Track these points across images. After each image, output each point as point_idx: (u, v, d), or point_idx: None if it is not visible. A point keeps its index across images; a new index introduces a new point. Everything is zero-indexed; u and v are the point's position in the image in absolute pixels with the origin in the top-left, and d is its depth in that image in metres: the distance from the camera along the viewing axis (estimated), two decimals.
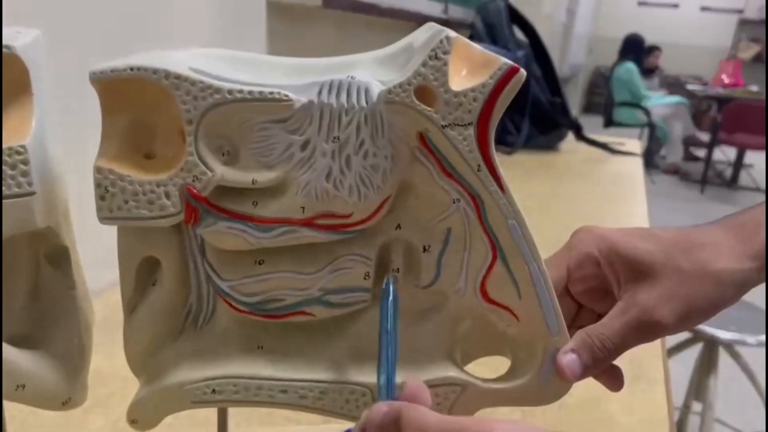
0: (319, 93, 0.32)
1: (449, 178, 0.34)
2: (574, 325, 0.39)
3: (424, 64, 0.32)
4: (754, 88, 5.26)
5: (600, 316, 0.38)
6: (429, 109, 0.32)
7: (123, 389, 0.57)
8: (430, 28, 0.34)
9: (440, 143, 0.33)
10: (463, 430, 0.26)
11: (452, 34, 0.32)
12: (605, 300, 0.38)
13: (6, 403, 0.36)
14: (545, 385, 0.36)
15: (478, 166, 0.33)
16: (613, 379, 0.38)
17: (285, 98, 0.32)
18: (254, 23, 1.04)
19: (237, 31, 1.01)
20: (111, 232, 0.35)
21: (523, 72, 0.32)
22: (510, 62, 0.32)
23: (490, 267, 0.35)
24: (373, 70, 0.34)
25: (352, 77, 0.32)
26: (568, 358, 0.35)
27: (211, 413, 0.40)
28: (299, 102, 0.32)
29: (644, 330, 0.35)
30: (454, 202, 0.34)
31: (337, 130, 0.32)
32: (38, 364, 0.36)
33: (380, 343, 0.33)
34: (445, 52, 0.32)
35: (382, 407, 0.30)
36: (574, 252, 0.39)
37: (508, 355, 0.38)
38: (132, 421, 0.37)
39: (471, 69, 0.33)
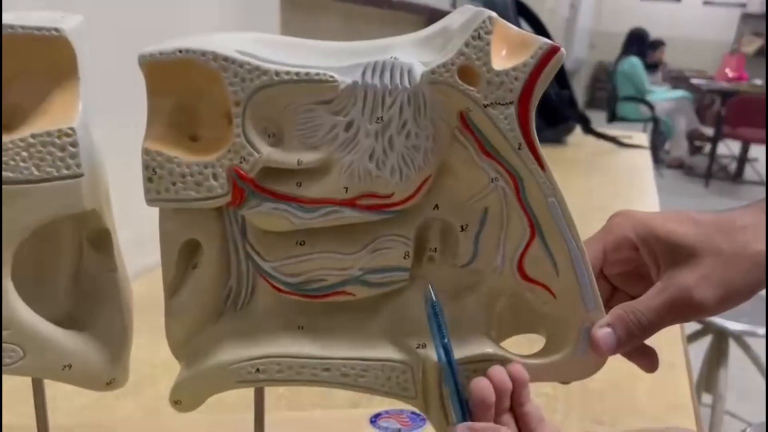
0: (363, 74, 0.33)
1: (488, 157, 0.34)
2: (607, 308, 0.40)
3: (467, 44, 0.32)
4: (757, 82, 5.25)
5: (634, 300, 0.38)
6: (471, 88, 0.32)
7: (150, 376, 0.57)
8: (468, 10, 0.34)
9: (481, 122, 0.33)
10: None
11: (494, 15, 0.33)
12: (640, 283, 0.39)
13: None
14: (580, 361, 0.37)
15: (519, 144, 0.33)
16: (647, 360, 0.39)
17: (330, 79, 0.32)
18: (268, 15, 1.04)
19: (250, 23, 1.01)
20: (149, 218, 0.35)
21: (563, 51, 0.33)
22: (550, 42, 0.33)
23: (528, 245, 0.36)
24: (411, 52, 0.34)
25: (395, 58, 0.33)
26: (603, 332, 0.36)
27: (239, 398, 0.41)
28: (344, 83, 0.33)
29: (681, 309, 0.35)
30: (492, 182, 0.35)
31: (381, 110, 0.33)
32: (83, 345, 0.37)
33: (439, 358, 0.35)
34: (488, 32, 0.32)
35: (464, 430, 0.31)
36: (611, 235, 0.39)
37: (542, 333, 0.39)
38: (176, 402, 0.37)
39: (510, 49, 0.33)
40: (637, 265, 0.39)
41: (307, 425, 0.50)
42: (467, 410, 0.35)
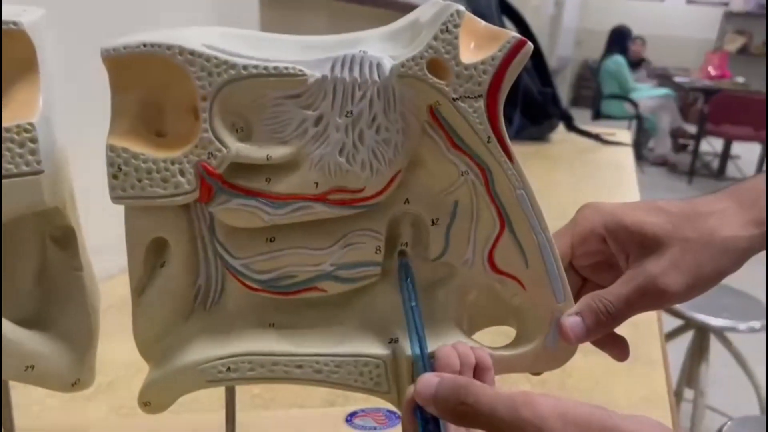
0: (332, 68, 0.32)
1: (458, 150, 0.34)
2: (576, 300, 0.40)
3: (435, 38, 0.32)
4: (740, 79, 5.31)
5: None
6: (440, 82, 0.32)
7: (124, 377, 0.57)
8: (436, 3, 0.34)
9: (450, 116, 0.33)
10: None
11: (461, 8, 0.32)
12: (610, 274, 0.39)
13: (10, 390, 0.36)
14: (551, 351, 0.37)
15: (488, 137, 0.33)
16: (619, 349, 0.39)
17: (299, 73, 0.32)
18: (248, 12, 1.03)
19: (231, 20, 1.00)
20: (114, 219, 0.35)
21: (530, 45, 0.32)
22: (517, 35, 0.32)
23: (498, 237, 0.36)
24: (380, 46, 0.34)
25: (364, 52, 0.32)
26: (572, 320, 0.36)
27: (212, 398, 0.40)
28: (313, 77, 0.32)
29: (649, 297, 0.35)
30: (462, 175, 0.35)
31: (350, 104, 0.32)
32: (46, 345, 0.36)
33: (407, 319, 0.35)
34: (456, 26, 0.32)
35: (432, 378, 0.30)
36: (579, 228, 0.39)
37: (513, 325, 0.39)
38: (145, 404, 0.37)
39: (479, 43, 0.33)
40: (607, 257, 0.39)
41: (283, 424, 0.49)
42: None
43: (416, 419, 0.32)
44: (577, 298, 0.38)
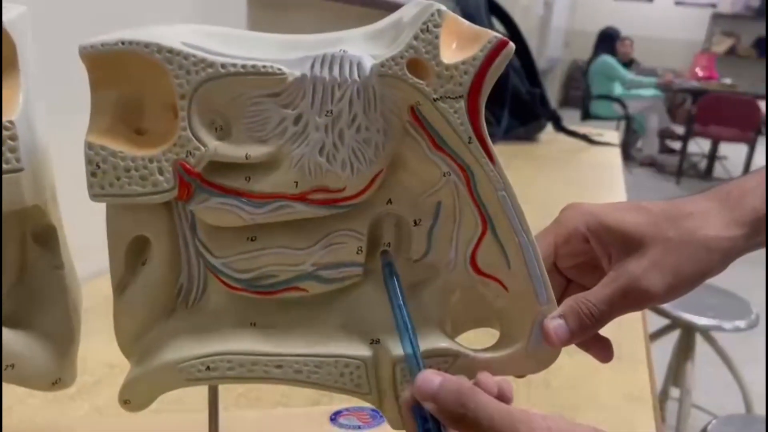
0: (312, 67, 0.32)
1: (440, 151, 0.34)
2: (562, 300, 0.40)
3: (416, 38, 0.32)
4: (727, 81, 5.34)
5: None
6: (421, 82, 0.32)
7: (108, 376, 0.56)
8: (419, 3, 0.34)
9: (431, 116, 0.33)
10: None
11: (442, 7, 0.32)
12: (594, 274, 0.39)
13: None
14: (534, 354, 0.37)
15: (469, 138, 0.33)
16: (603, 351, 0.39)
17: (278, 72, 0.32)
18: (235, 12, 1.03)
19: (218, 19, 1.00)
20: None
21: (512, 45, 0.32)
22: (499, 36, 0.32)
23: (480, 238, 0.36)
24: (362, 45, 0.34)
25: (344, 51, 0.32)
26: (555, 324, 0.36)
27: (196, 397, 0.40)
28: (292, 76, 0.32)
29: (632, 298, 0.35)
30: (444, 176, 0.35)
31: (330, 103, 0.32)
32: (27, 344, 0.36)
33: (396, 318, 0.35)
34: (437, 26, 0.32)
35: (434, 376, 0.30)
36: (562, 228, 0.39)
37: (496, 327, 0.39)
38: (124, 402, 0.37)
39: (461, 43, 0.33)
40: (590, 257, 0.39)
41: (266, 423, 0.49)
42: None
43: (414, 418, 0.32)
44: (561, 299, 0.38)
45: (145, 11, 0.82)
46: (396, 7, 0.37)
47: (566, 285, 0.41)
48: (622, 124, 4.83)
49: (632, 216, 0.37)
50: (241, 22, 1.04)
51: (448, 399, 0.31)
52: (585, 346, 0.39)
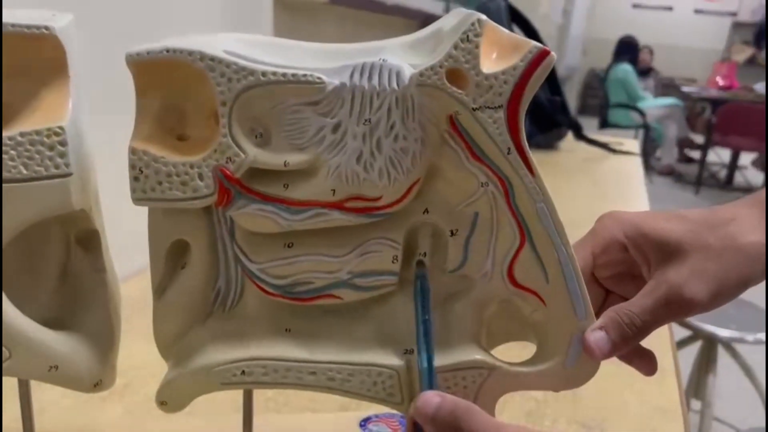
0: (351, 75, 0.33)
1: (478, 161, 0.34)
2: (601, 312, 0.39)
3: (455, 47, 0.32)
4: (758, 87, 5.26)
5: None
6: (460, 91, 0.32)
7: (137, 378, 0.57)
8: (459, 13, 0.34)
9: (470, 126, 0.33)
10: None
11: (483, 17, 0.32)
12: (633, 284, 0.38)
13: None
14: (572, 369, 0.36)
15: (508, 149, 0.33)
16: (646, 363, 0.38)
17: (318, 80, 0.32)
18: (261, 19, 1.04)
19: (244, 26, 1.01)
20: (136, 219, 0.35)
21: (553, 55, 0.32)
22: (540, 45, 0.32)
23: (518, 251, 0.35)
24: (401, 55, 0.34)
25: (383, 60, 0.33)
26: (596, 336, 0.35)
27: (230, 400, 0.40)
28: (331, 84, 0.32)
29: (674, 307, 0.34)
30: (482, 186, 0.35)
31: (369, 112, 0.33)
32: (70, 346, 0.36)
33: (417, 333, 0.35)
34: (477, 35, 0.32)
35: (433, 398, 0.30)
36: (599, 238, 0.39)
37: (533, 340, 0.38)
38: (161, 403, 0.37)
39: (501, 53, 0.33)
40: (629, 266, 0.38)
41: (296, 428, 0.49)
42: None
43: None
44: (601, 310, 0.37)
45: (175, 18, 0.84)
46: (416, 14, 0.37)
47: (605, 296, 0.41)
48: (641, 132, 4.79)
49: (670, 224, 0.36)
50: (266, 27, 1.06)
51: (444, 421, 0.31)
52: (627, 358, 0.38)
